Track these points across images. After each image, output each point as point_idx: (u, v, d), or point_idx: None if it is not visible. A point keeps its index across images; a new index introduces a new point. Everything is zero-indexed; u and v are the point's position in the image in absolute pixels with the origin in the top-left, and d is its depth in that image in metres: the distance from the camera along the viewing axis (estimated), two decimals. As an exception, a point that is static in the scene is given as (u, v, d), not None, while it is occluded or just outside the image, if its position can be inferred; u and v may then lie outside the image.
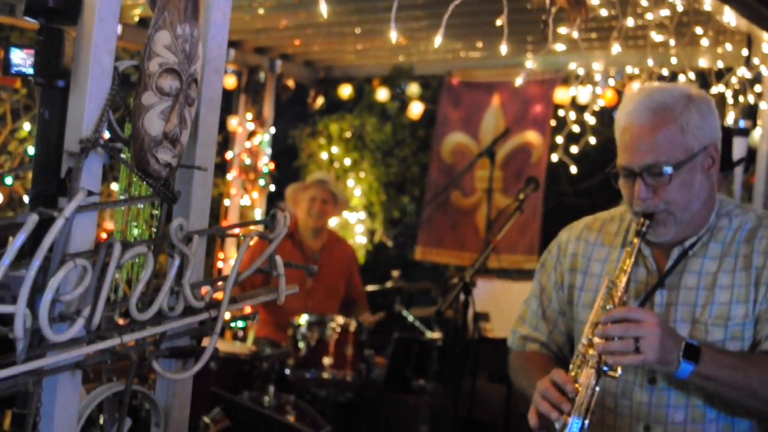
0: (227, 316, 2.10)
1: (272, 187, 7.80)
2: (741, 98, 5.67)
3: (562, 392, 2.25)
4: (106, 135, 1.85)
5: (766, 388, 2.26)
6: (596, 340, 2.26)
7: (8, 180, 6.09)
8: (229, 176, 7.58)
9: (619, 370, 2.26)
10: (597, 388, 2.25)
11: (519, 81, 4.78)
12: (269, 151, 7.74)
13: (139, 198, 1.93)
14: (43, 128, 1.84)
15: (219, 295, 2.04)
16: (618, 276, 2.36)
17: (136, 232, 1.99)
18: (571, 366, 2.32)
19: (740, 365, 2.29)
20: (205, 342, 2.06)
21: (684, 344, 2.24)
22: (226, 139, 7.77)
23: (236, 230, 2.32)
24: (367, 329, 5.57)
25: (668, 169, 2.31)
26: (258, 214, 7.53)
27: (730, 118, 5.66)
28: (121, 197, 1.94)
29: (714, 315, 2.36)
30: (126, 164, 1.88)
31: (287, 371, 5.34)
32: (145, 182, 1.90)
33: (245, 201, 7.58)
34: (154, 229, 1.97)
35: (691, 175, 2.34)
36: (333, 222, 7.50)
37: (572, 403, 2.23)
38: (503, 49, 3.70)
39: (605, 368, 2.25)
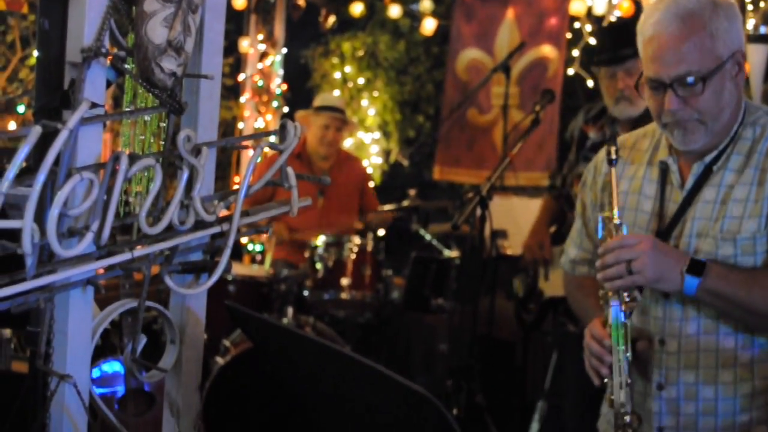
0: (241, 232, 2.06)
1: (285, 109, 7.73)
2: (762, 3, 5.52)
3: (601, 345, 2.35)
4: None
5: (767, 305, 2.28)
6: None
7: (20, 108, 6.03)
8: (242, 99, 7.52)
9: (638, 297, 2.31)
10: (627, 322, 2.30)
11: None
12: (281, 72, 7.66)
13: (144, 109, 1.88)
14: (44, 40, 1.79)
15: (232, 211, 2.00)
16: (609, 206, 2.38)
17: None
18: (602, 305, 2.37)
19: (745, 282, 2.28)
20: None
21: (689, 260, 2.26)
22: (237, 61, 7.68)
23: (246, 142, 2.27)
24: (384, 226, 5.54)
25: (701, 79, 2.26)
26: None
27: (749, 25, 5.52)
28: (127, 109, 1.89)
29: (725, 229, 2.33)
30: (130, 74, 1.82)
31: (305, 293, 5.34)
32: (150, 93, 1.85)
33: (259, 123, 7.52)
34: (162, 143, 1.93)
35: (721, 83, 2.30)
36: (348, 143, 7.44)
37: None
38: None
39: (627, 299, 2.30)
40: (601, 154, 2.63)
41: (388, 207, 6.43)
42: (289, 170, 2.04)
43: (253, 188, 2.00)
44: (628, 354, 2.29)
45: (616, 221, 2.33)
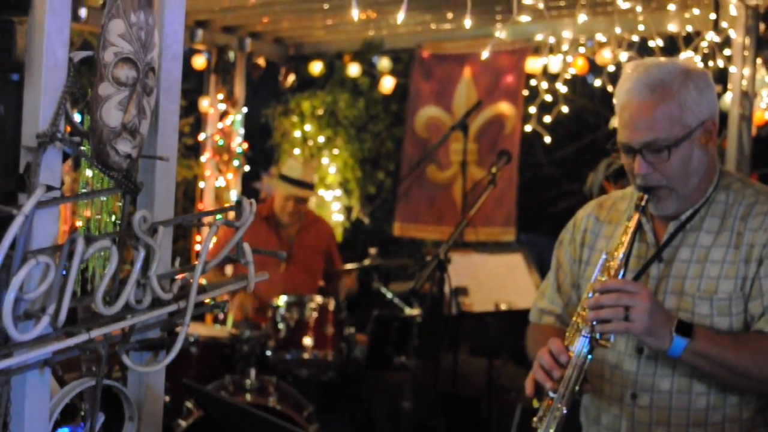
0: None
1: (247, 168, 7.76)
2: (710, 63, 5.66)
3: (556, 360, 2.33)
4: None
5: (757, 367, 2.30)
6: (588, 309, 2.32)
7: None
8: (203, 158, 7.53)
9: (612, 339, 2.32)
10: (590, 357, 2.31)
11: (485, 54, 4.76)
12: (242, 131, 7.68)
13: (100, 191, 1.89)
14: (-1, 124, 1.81)
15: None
16: (616, 248, 2.40)
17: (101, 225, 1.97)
18: (567, 334, 2.39)
19: (732, 344, 2.32)
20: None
21: (676, 321, 2.29)
22: (198, 121, 7.72)
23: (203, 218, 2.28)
24: (349, 297, 5.54)
25: (667, 146, 2.34)
26: (233, 195, 7.48)
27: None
28: (83, 190, 1.91)
29: (702, 289, 2.39)
30: (85, 157, 1.84)
31: (268, 353, 5.34)
32: (106, 175, 1.87)
33: (220, 182, 7.54)
34: (119, 222, 1.94)
35: (690, 150, 2.37)
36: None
37: (563, 371, 2.31)
38: (467, 23, 3.68)
39: (598, 336, 2.31)
40: (579, 213, 2.74)
41: (350, 266, 6.45)
42: (246, 246, 2.06)
43: (209, 264, 2.02)
44: (577, 388, 2.31)
45: (619, 259, 2.36)
